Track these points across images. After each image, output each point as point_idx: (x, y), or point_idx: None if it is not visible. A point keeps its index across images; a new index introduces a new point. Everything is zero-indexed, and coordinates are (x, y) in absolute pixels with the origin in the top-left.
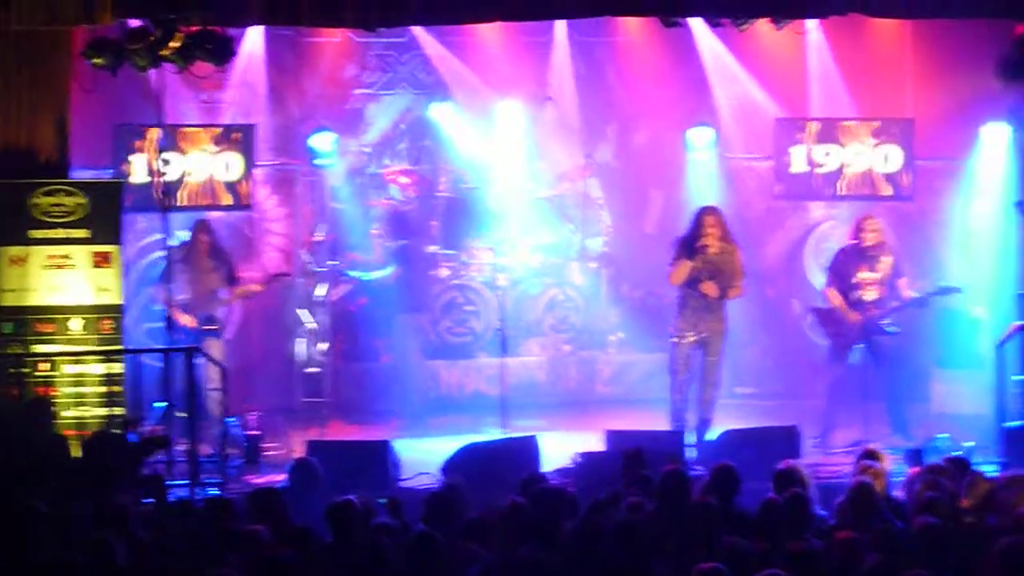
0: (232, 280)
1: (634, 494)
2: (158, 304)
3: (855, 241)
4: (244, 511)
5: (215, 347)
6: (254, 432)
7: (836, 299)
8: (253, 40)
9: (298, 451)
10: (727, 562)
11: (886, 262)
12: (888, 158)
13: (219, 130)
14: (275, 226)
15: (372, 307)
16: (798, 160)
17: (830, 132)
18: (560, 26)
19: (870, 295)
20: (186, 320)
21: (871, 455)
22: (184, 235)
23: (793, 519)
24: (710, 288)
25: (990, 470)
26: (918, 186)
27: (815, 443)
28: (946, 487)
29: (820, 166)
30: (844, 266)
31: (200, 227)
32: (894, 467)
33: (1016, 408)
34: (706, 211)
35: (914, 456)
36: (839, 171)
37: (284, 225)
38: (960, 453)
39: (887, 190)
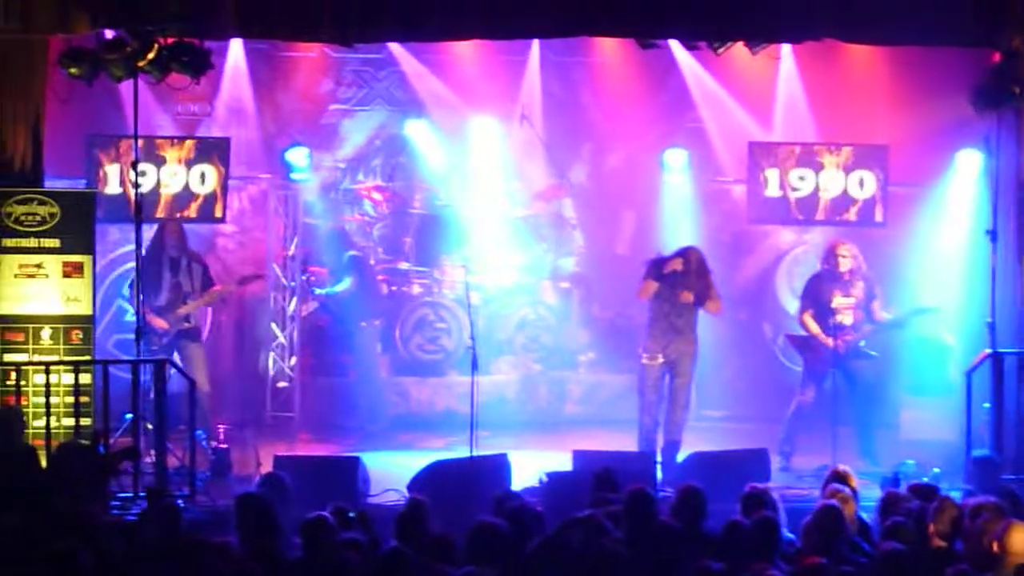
0: (206, 282)
1: (601, 515)
2: (130, 310)
3: (828, 266)
4: (228, 516)
5: (196, 351)
6: (222, 445)
7: (813, 325)
8: (232, 54)
9: (267, 465)
10: None
11: (860, 286)
12: (862, 183)
13: (195, 142)
14: (248, 240)
15: (336, 322)
16: (772, 184)
17: (805, 157)
18: (535, 46)
19: (847, 319)
20: (160, 323)
21: (840, 478)
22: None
23: (762, 542)
24: (687, 296)
25: (957, 497)
26: (891, 212)
27: (781, 467)
28: (914, 513)
29: (795, 190)
30: (819, 292)
31: (169, 224)
32: (863, 492)
33: (984, 436)
34: (688, 251)
35: (889, 482)
36: (813, 196)
37: (257, 239)
38: (928, 479)
39: (861, 216)
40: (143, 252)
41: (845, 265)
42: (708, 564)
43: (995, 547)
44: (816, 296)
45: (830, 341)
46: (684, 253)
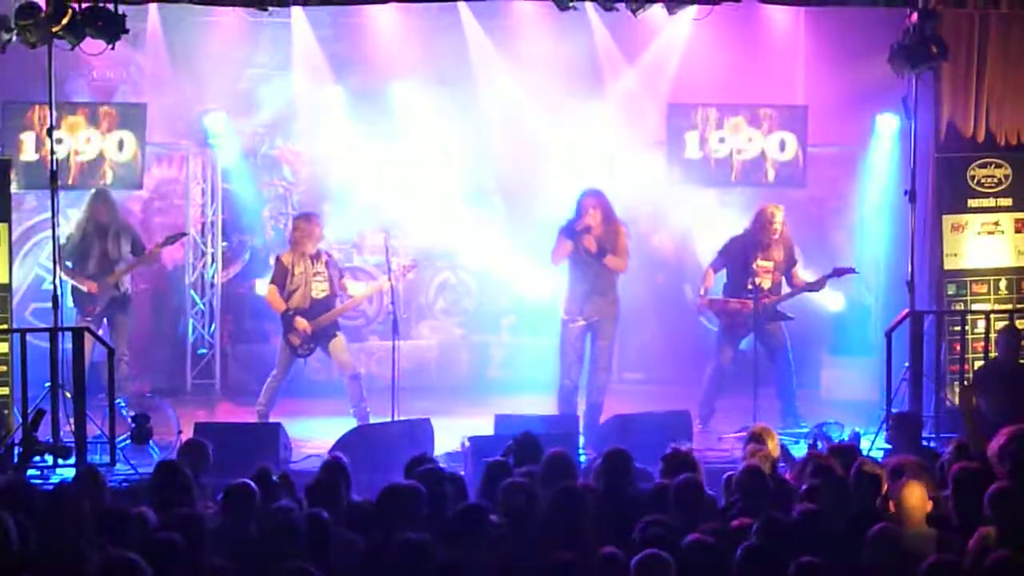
0: (138, 248)
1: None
2: (61, 276)
3: (756, 229)
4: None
5: (123, 320)
6: (142, 413)
7: (711, 278)
8: (147, 19)
9: (187, 433)
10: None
11: (780, 250)
12: (783, 145)
13: (111, 109)
14: (167, 206)
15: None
16: (692, 146)
17: (724, 118)
18: (464, 8)
19: (765, 282)
20: (90, 284)
21: (759, 438)
22: (76, 212)
23: (686, 503)
24: (591, 243)
25: (878, 456)
26: (811, 173)
27: (700, 429)
28: (833, 472)
29: (715, 152)
30: (740, 252)
31: (99, 195)
32: (781, 451)
33: (904, 394)
34: (586, 194)
35: (807, 441)
36: (733, 157)
37: (176, 206)
38: (848, 439)
39: (781, 177)
40: (80, 226)
41: (768, 228)
42: (661, 519)
43: (891, 506)
44: (736, 256)
45: (746, 303)
46: (581, 199)
